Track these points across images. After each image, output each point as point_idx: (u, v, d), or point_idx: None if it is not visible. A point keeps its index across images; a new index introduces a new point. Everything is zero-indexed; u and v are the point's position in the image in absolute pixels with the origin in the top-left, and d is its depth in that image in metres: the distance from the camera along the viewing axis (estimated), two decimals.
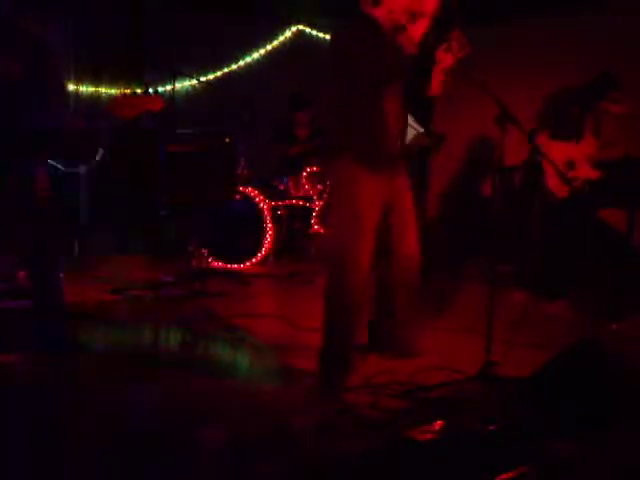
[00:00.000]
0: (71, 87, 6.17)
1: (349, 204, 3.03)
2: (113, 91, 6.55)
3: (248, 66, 7.05)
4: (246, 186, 5.43)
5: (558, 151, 4.27)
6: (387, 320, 3.29)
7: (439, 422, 2.38)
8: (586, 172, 4.28)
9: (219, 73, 6.92)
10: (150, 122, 5.32)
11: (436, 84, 3.12)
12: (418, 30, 2.98)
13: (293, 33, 7.22)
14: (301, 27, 7.26)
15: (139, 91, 4.02)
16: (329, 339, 3.05)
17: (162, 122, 4.85)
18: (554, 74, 5.70)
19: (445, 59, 2.98)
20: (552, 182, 4.28)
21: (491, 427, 2.32)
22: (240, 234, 5.34)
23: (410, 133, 6.69)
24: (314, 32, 7.30)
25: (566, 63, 5.72)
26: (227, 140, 5.25)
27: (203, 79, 6.59)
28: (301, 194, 5.77)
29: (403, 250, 3.19)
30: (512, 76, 5.79)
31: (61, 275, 3.37)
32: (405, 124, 3.34)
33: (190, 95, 6.73)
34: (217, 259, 5.30)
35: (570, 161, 4.29)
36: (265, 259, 5.38)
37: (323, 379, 3.03)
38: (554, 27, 5.83)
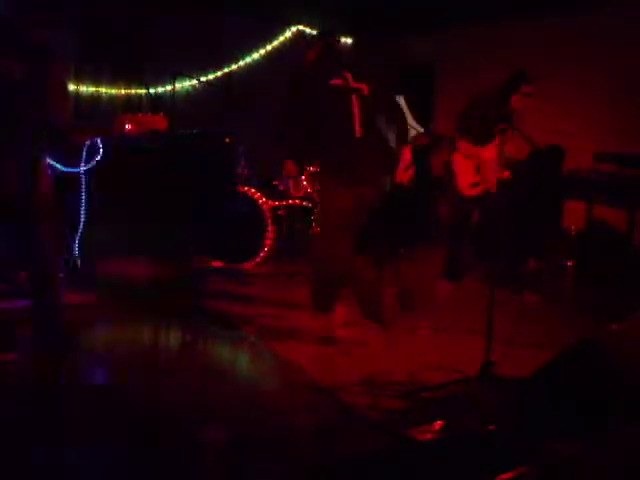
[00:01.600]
0: (71, 87, 6.16)
1: (325, 204, 3.81)
2: (113, 91, 6.55)
3: (248, 66, 7.04)
4: (246, 186, 5.43)
5: (470, 155, 4.38)
6: None
7: (439, 422, 2.39)
8: (495, 174, 4.31)
9: (219, 73, 6.92)
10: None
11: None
12: None
13: (293, 33, 7.22)
14: (301, 27, 7.26)
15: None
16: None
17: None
18: (554, 74, 5.72)
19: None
20: (461, 184, 4.45)
21: (491, 427, 2.32)
22: (240, 234, 5.33)
23: (410, 133, 6.72)
24: (314, 32, 7.30)
25: (567, 63, 5.74)
26: (227, 140, 5.24)
27: (203, 79, 6.58)
28: (301, 194, 5.77)
29: None
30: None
31: (61, 275, 3.37)
32: (383, 154, 3.82)
33: (190, 95, 6.72)
34: (217, 259, 5.30)
35: (479, 164, 4.37)
36: (265, 259, 5.38)
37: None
38: (554, 27, 5.83)
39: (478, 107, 4.39)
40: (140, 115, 3.09)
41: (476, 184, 4.37)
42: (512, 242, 4.33)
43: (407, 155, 3.80)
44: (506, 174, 4.24)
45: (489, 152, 4.30)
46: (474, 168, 4.38)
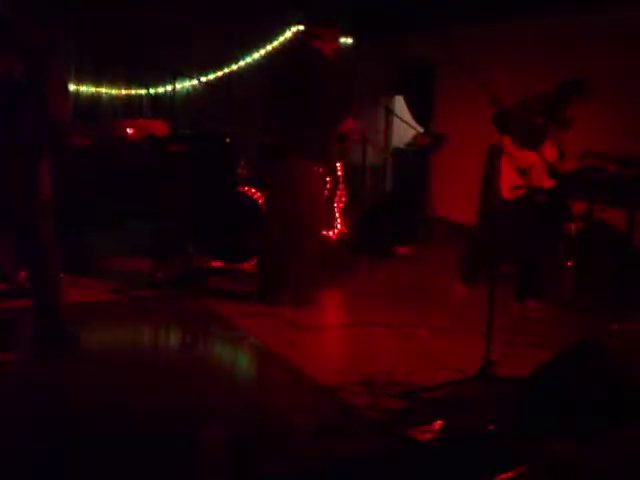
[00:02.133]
0: (71, 87, 6.16)
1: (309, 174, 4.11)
2: (113, 91, 6.55)
3: (248, 66, 7.04)
4: (246, 186, 5.43)
5: (519, 156, 4.31)
6: None
7: (439, 422, 2.39)
8: (541, 180, 4.29)
9: (219, 73, 6.92)
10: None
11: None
12: None
13: (293, 33, 7.21)
14: (301, 27, 7.25)
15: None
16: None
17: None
18: (554, 74, 5.71)
19: None
20: (503, 184, 4.34)
21: (491, 427, 2.32)
22: (240, 234, 5.33)
23: (410, 133, 6.72)
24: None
25: (566, 63, 5.73)
26: (227, 140, 5.24)
27: (203, 79, 6.58)
28: None
29: None
30: (511, 76, 5.79)
31: (61, 275, 3.38)
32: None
33: (190, 95, 6.72)
34: (217, 259, 5.30)
35: (528, 168, 4.33)
36: None
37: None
38: (554, 27, 5.83)
39: (527, 111, 4.34)
40: (141, 120, 3.08)
41: (518, 187, 4.31)
42: (523, 249, 4.33)
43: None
44: (551, 183, 4.24)
45: (536, 157, 4.27)
46: (517, 171, 4.32)
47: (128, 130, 2.95)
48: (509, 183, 4.28)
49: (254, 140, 5.60)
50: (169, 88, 6.31)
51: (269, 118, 4.42)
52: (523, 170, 4.31)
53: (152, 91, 6.41)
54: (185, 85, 6.69)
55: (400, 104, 7.60)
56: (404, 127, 6.44)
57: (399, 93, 7.57)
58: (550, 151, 4.33)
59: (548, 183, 4.29)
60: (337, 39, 4.21)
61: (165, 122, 3.04)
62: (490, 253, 3.96)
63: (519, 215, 4.28)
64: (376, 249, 5.94)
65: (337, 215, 5.41)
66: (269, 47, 7.14)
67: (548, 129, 4.35)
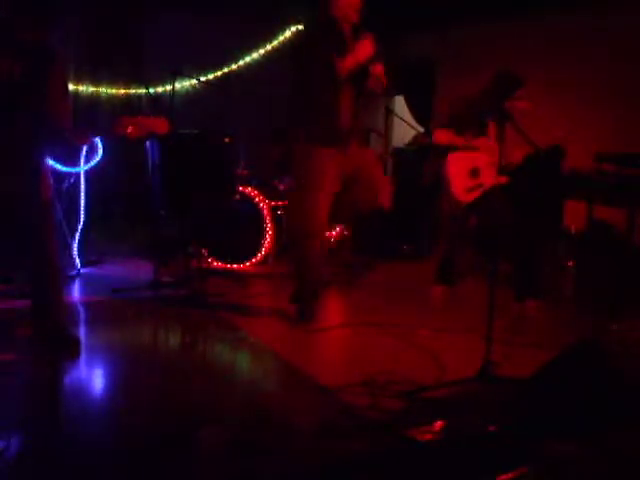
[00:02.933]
0: (71, 87, 6.16)
1: (305, 175, 3.78)
2: (113, 91, 6.55)
3: (248, 66, 7.04)
4: (246, 186, 5.43)
5: (464, 158, 4.27)
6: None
7: (439, 422, 2.39)
8: (492, 179, 4.26)
9: (219, 73, 6.92)
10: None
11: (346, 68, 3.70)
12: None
13: (293, 33, 7.21)
14: (301, 27, 7.25)
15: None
16: (300, 281, 3.91)
17: None
18: (554, 73, 5.72)
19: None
20: (457, 189, 4.30)
21: (491, 427, 2.32)
22: (240, 234, 5.33)
23: (410, 133, 6.72)
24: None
25: (567, 62, 5.73)
26: (227, 140, 5.24)
27: (203, 79, 6.58)
28: None
29: (367, 185, 3.91)
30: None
31: (61, 275, 3.38)
32: (356, 108, 3.88)
33: (190, 95, 6.72)
34: (217, 259, 5.30)
35: (475, 168, 4.29)
36: (265, 259, 5.38)
37: (299, 313, 3.90)
38: (554, 26, 5.83)
39: (468, 106, 4.32)
40: (140, 117, 3.07)
41: (473, 188, 4.30)
42: (514, 244, 4.29)
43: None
44: (503, 180, 4.19)
45: (485, 154, 4.25)
46: (469, 172, 4.30)
47: (128, 128, 2.95)
48: (463, 186, 4.27)
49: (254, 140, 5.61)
50: (169, 88, 6.31)
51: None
52: (474, 170, 4.29)
53: (152, 91, 6.41)
54: (185, 85, 6.69)
55: (400, 104, 7.61)
56: (404, 127, 6.44)
57: (399, 93, 7.57)
58: (493, 146, 4.27)
59: (500, 180, 4.25)
60: None
61: (165, 120, 3.03)
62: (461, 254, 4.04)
63: (493, 213, 4.25)
64: (376, 249, 5.96)
65: None
66: (269, 47, 7.14)
67: (487, 123, 4.33)
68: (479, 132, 4.30)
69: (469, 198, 4.26)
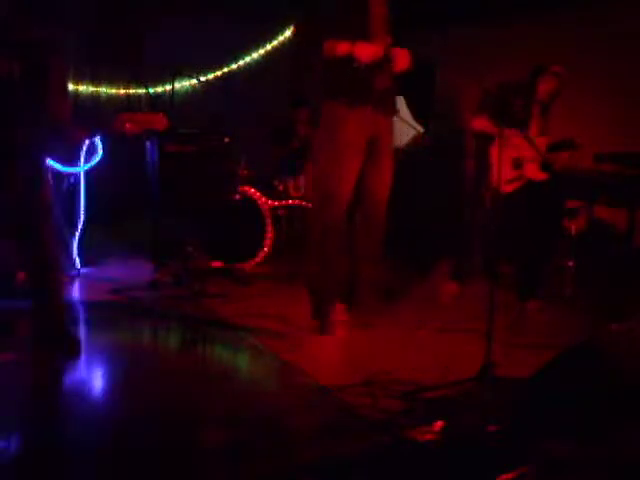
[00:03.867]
0: (71, 87, 6.16)
1: (332, 146, 3.39)
2: (113, 91, 6.55)
3: (248, 66, 7.04)
4: (246, 186, 5.43)
5: (509, 147, 4.15)
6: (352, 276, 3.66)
7: (439, 422, 2.38)
8: (532, 173, 4.21)
9: (219, 73, 6.92)
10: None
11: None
12: None
13: (293, 33, 7.22)
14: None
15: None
16: (312, 276, 3.57)
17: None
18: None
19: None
20: (499, 175, 4.25)
21: (491, 427, 2.32)
22: (240, 234, 5.33)
23: (410, 133, 6.72)
24: None
25: (566, 62, 5.73)
26: (227, 140, 5.24)
27: (203, 79, 6.58)
28: (301, 194, 5.77)
29: (370, 191, 3.52)
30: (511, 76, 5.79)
31: (61, 275, 3.37)
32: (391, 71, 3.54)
33: (190, 95, 6.72)
34: (217, 259, 5.30)
35: (518, 159, 4.22)
36: (265, 259, 5.38)
37: (315, 312, 3.59)
38: (554, 26, 5.83)
39: (504, 95, 4.23)
40: (140, 114, 3.06)
41: (514, 180, 4.22)
42: (523, 245, 4.30)
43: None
44: (544, 176, 4.17)
45: (529, 147, 4.19)
46: (512, 163, 4.23)
47: (126, 124, 2.94)
48: (505, 175, 4.16)
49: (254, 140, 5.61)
50: (169, 88, 6.31)
51: None
52: (517, 161, 4.22)
53: (151, 90, 6.41)
54: (185, 85, 6.69)
55: (400, 104, 7.60)
56: (404, 127, 6.44)
57: (399, 93, 7.56)
58: (540, 140, 4.25)
59: (541, 176, 4.21)
60: None
61: (163, 116, 3.02)
62: (487, 250, 3.95)
63: (516, 210, 4.21)
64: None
65: None
66: (269, 47, 7.15)
67: (531, 115, 4.28)
68: (521, 120, 4.23)
69: (508, 189, 4.21)
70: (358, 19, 3.39)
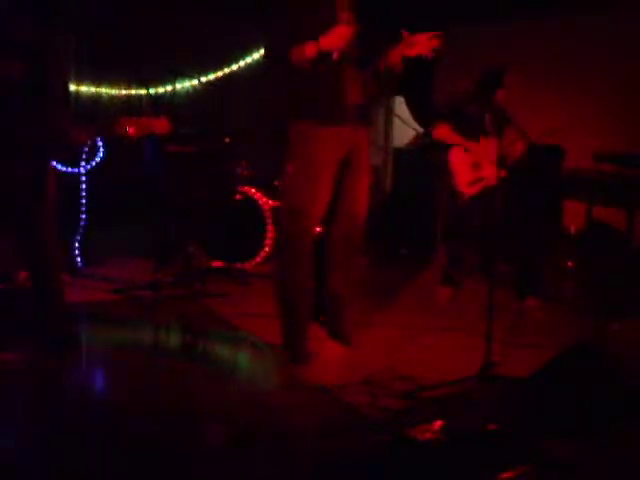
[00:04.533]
0: (72, 88, 6.17)
1: (304, 162, 3.15)
2: (114, 92, 6.55)
3: (248, 66, 7.04)
4: (246, 186, 5.43)
5: (466, 151, 4.32)
6: (323, 289, 3.41)
7: (439, 422, 2.38)
8: (492, 172, 4.28)
9: (219, 73, 6.92)
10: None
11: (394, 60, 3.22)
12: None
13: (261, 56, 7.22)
14: None
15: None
16: (282, 298, 3.31)
17: None
18: (553, 74, 5.72)
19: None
20: (460, 182, 4.34)
21: (491, 427, 2.32)
22: (240, 234, 5.33)
23: (410, 133, 6.72)
24: None
25: (566, 62, 5.73)
26: (227, 140, 5.24)
27: (203, 79, 6.58)
28: None
29: (347, 208, 3.31)
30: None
31: (61, 275, 3.38)
32: (364, 82, 3.25)
33: (190, 95, 6.72)
34: (217, 259, 5.30)
35: (476, 162, 4.33)
36: (265, 259, 5.38)
37: (286, 340, 3.28)
38: (554, 27, 5.83)
39: (459, 103, 4.36)
40: (142, 118, 3.08)
41: (475, 182, 4.33)
42: (515, 243, 4.31)
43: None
44: (502, 174, 4.20)
45: (486, 147, 4.29)
46: (471, 165, 4.34)
47: (129, 128, 2.95)
48: (466, 179, 4.30)
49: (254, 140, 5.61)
50: (169, 88, 6.31)
51: None
52: (475, 164, 4.32)
53: (152, 91, 6.41)
54: (185, 85, 6.70)
55: (400, 104, 7.60)
56: (404, 127, 6.44)
57: (399, 93, 7.56)
58: (492, 142, 4.31)
59: (499, 173, 4.27)
60: None
61: (166, 120, 3.04)
62: (483, 249, 3.99)
63: (487, 210, 4.27)
64: (377, 249, 5.95)
65: None
66: None
67: (484, 118, 4.36)
68: (476, 127, 4.33)
69: (471, 191, 4.30)
70: (324, 15, 3.08)
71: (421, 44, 3.11)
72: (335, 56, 3.05)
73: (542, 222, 4.72)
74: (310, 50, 2.98)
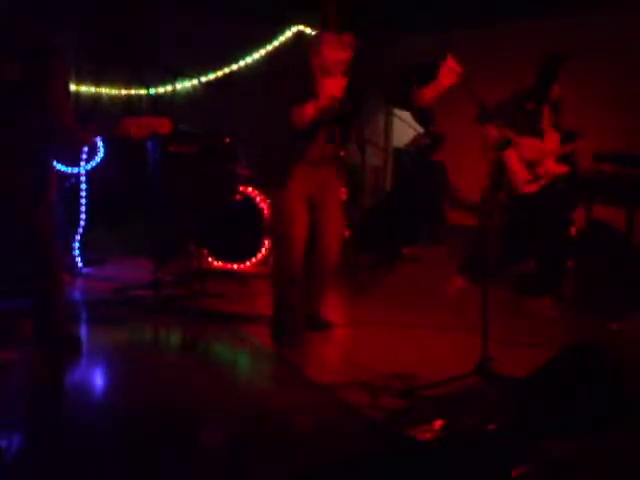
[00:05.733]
0: (72, 88, 6.16)
1: (279, 208, 3.49)
2: (114, 91, 6.55)
3: (248, 66, 7.04)
4: (246, 186, 5.43)
5: (525, 148, 4.30)
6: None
7: (439, 421, 2.39)
8: (553, 168, 4.31)
9: (219, 73, 6.92)
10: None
11: (428, 98, 3.33)
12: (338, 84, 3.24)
13: (293, 33, 7.21)
14: (301, 27, 7.26)
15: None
16: (277, 313, 3.59)
17: None
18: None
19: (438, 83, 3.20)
20: (518, 178, 4.33)
21: (491, 427, 2.32)
22: (240, 234, 5.33)
23: (410, 133, 6.72)
24: (314, 32, 7.30)
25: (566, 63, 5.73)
26: (227, 140, 5.24)
27: (203, 79, 6.58)
28: None
29: (321, 244, 3.57)
30: (509, 77, 5.79)
31: (61, 275, 3.38)
32: (338, 139, 3.49)
33: (190, 95, 6.72)
34: (217, 259, 5.30)
35: (536, 158, 4.32)
36: (265, 259, 5.38)
37: (275, 342, 3.53)
38: (554, 28, 5.83)
39: (519, 101, 4.33)
40: (144, 118, 3.08)
41: (533, 180, 4.31)
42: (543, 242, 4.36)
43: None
44: (564, 169, 4.24)
45: (540, 145, 4.28)
46: (528, 164, 4.33)
47: (131, 129, 2.95)
48: (523, 177, 4.29)
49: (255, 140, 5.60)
50: (169, 88, 6.31)
51: None
52: (530, 162, 4.31)
53: (152, 91, 6.41)
54: (185, 85, 6.69)
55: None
56: (404, 127, 6.44)
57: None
58: (552, 136, 4.34)
59: (561, 169, 4.30)
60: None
61: (168, 120, 3.04)
62: (498, 250, 3.99)
63: (543, 207, 4.30)
64: (377, 249, 5.95)
65: None
66: (269, 47, 7.14)
67: (542, 114, 4.35)
68: (531, 123, 4.32)
69: (530, 190, 4.30)
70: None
71: (445, 75, 3.18)
72: (335, 104, 3.21)
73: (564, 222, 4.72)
74: (309, 110, 3.17)
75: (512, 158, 4.31)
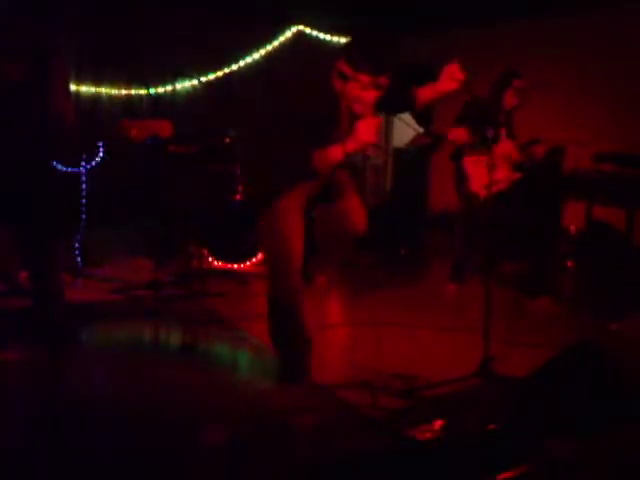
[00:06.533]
0: (72, 88, 6.16)
1: (272, 225, 3.07)
2: (114, 92, 6.55)
3: (248, 66, 7.05)
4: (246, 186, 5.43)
5: (482, 155, 4.40)
6: None
7: (439, 421, 2.39)
8: (505, 174, 4.43)
9: (219, 73, 6.92)
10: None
11: (423, 99, 3.23)
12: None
13: (293, 33, 7.22)
14: (301, 27, 7.26)
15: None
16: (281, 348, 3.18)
17: None
18: (553, 75, 5.72)
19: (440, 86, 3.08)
20: (474, 184, 4.46)
21: (491, 427, 2.32)
22: (240, 234, 5.33)
23: (410, 133, 6.73)
24: (314, 32, 7.30)
25: (566, 63, 5.74)
26: (227, 140, 5.24)
27: (203, 79, 6.58)
28: None
29: (348, 218, 3.29)
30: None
31: (61, 275, 3.38)
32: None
33: (190, 95, 6.73)
34: (217, 259, 5.30)
35: (492, 165, 4.38)
36: (265, 259, 5.38)
37: (285, 366, 3.13)
38: (554, 28, 5.83)
39: (475, 107, 4.43)
40: (145, 120, 3.09)
41: (490, 184, 4.36)
42: (528, 243, 4.41)
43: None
44: (517, 176, 4.34)
45: (502, 150, 4.37)
46: (488, 168, 4.37)
47: (132, 131, 2.96)
48: (482, 182, 4.35)
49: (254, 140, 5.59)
50: (169, 88, 6.31)
51: None
52: (491, 167, 4.36)
53: (152, 91, 6.42)
54: (186, 85, 6.70)
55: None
56: (404, 127, 6.44)
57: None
58: (506, 145, 4.43)
59: (514, 176, 4.42)
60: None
61: (169, 122, 3.05)
62: (487, 249, 4.02)
63: (504, 209, 4.38)
64: (377, 249, 5.95)
65: None
66: (269, 47, 7.15)
67: (498, 122, 4.50)
68: (493, 130, 4.40)
69: (487, 193, 4.35)
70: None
71: (446, 80, 3.03)
72: (369, 152, 2.94)
73: (548, 222, 4.77)
74: (336, 153, 2.84)
75: (470, 163, 4.48)
